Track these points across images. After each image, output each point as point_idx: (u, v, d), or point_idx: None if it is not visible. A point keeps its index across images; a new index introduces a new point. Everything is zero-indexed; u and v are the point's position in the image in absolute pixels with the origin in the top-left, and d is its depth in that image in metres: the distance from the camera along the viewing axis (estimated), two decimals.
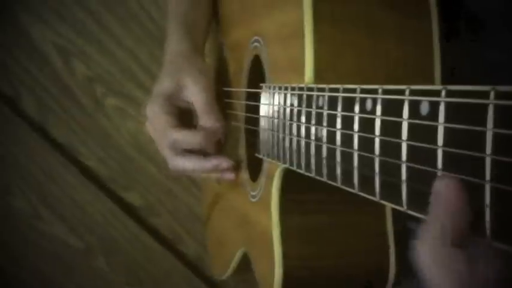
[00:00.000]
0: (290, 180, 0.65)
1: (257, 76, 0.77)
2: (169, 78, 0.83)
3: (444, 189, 0.34)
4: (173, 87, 0.82)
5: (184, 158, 0.81)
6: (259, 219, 0.73)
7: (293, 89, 0.58)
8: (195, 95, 0.81)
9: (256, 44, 0.76)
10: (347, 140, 0.45)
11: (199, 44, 0.91)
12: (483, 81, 0.31)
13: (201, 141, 0.80)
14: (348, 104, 0.45)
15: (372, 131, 0.41)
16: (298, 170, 0.57)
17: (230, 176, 0.83)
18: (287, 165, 0.61)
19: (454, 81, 0.35)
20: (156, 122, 0.81)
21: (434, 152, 0.34)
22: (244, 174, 0.82)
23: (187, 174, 1.03)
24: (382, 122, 0.40)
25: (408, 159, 0.37)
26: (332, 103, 0.48)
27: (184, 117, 0.82)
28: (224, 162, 0.82)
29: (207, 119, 0.80)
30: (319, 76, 0.56)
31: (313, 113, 0.52)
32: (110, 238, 1.35)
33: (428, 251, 0.34)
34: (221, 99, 0.95)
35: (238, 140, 0.85)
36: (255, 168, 0.76)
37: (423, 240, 0.34)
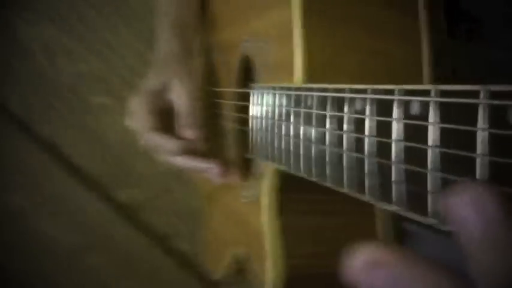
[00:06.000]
0: (281, 180, 0.65)
1: (247, 76, 0.76)
2: (157, 76, 0.82)
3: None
4: (159, 86, 0.81)
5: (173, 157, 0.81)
6: (251, 220, 0.73)
7: (282, 88, 0.58)
8: (181, 98, 0.80)
9: (246, 44, 0.76)
10: (336, 140, 0.45)
11: (191, 45, 0.90)
12: (484, 81, 0.31)
13: (178, 152, 0.79)
14: (338, 104, 0.44)
15: (362, 131, 0.40)
16: (288, 171, 0.57)
17: (219, 179, 0.82)
18: (277, 166, 0.60)
19: (454, 81, 0.35)
20: (137, 119, 0.81)
21: (425, 152, 0.33)
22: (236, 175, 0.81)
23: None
24: (372, 122, 0.39)
25: (398, 160, 0.36)
26: (321, 103, 0.47)
27: (164, 118, 0.81)
28: (215, 168, 0.81)
29: (188, 129, 0.79)
30: (309, 76, 0.56)
31: (302, 113, 0.51)
32: (102, 235, 1.35)
33: None
34: (210, 100, 0.95)
35: (229, 141, 0.85)
36: (246, 169, 0.76)
37: None
